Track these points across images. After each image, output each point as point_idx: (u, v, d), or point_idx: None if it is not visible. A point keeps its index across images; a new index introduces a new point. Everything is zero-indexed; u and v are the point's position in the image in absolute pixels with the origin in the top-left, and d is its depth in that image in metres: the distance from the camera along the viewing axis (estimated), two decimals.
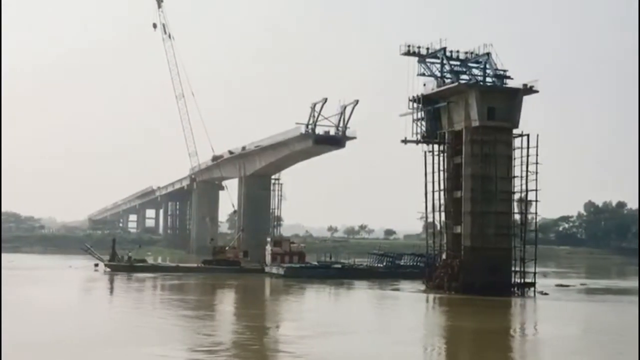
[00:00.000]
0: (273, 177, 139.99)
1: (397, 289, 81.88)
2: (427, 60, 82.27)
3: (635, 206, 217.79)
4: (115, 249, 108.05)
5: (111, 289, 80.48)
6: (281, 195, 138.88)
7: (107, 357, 36.31)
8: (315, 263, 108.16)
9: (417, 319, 60.35)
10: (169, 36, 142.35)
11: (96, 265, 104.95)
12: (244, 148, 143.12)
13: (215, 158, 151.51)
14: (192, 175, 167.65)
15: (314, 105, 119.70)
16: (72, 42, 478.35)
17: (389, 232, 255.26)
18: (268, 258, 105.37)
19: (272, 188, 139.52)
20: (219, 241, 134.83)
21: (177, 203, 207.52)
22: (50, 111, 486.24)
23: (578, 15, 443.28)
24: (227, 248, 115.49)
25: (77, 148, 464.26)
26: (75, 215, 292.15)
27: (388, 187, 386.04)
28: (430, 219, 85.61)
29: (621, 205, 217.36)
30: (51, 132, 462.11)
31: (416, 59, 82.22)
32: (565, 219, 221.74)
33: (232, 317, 58.85)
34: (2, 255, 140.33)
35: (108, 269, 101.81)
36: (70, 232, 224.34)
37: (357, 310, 66.18)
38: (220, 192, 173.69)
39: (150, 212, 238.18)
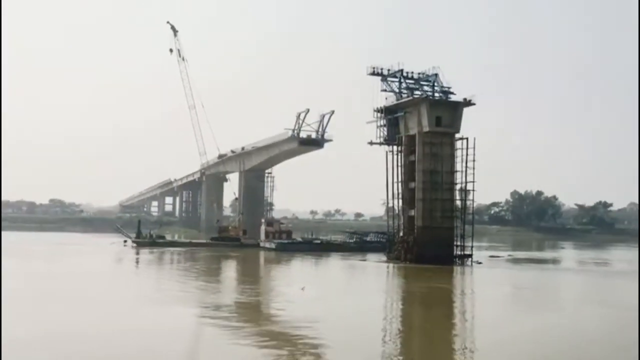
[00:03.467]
0: (267, 171, 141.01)
1: (365, 260, 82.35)
2: (388, 79, 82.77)
3: (549, 194, 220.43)
4: (140, 228, 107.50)
5: (137, 260, 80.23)
6: (273, 186, 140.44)
7: (140, 313, 36.39)
8: (300, 239, 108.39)
9: (381, 282, 60.88)
10: (183, 59, 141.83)
11: (125, 241, 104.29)
12: (243, 148, 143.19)
13: (220, 156, 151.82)
14: (202, 170, 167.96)
15: (299, 114, 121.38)
16: (110, 65, 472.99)
17: (359, 215, 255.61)
18: (262, 235, 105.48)
19: (265, 180, 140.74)
20: (223, 222, 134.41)
21: (190, 192, 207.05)
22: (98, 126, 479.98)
23: (520, 34, 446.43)
24: (230, 228, 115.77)
25: (112, 147, 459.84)
26: (109, 202, 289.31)
27: (358, 179, 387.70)
28: (390, 205, 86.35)
29: (540, 193, 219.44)
30: (97, 134, 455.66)
31: (379, 78, 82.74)
32: (496, 204, 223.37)
33: (235, 282, 59.04)
34: (53, 233, 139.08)
35: (134, 244, 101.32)
36: (104, 215, 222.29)
37: (334, 275, 66.59)
38: (225, 183, 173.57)
39: (168, 199, 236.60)
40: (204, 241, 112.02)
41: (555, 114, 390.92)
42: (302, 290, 47.25)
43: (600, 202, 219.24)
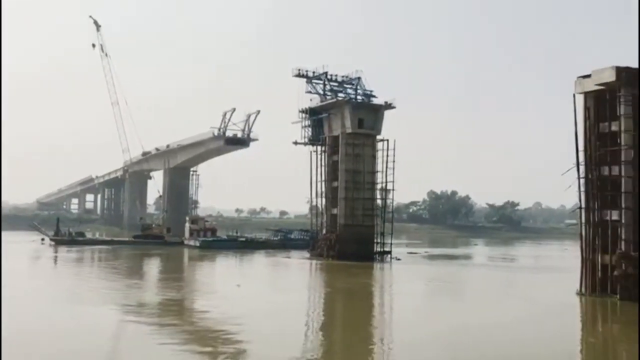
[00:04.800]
0: (192, 169, 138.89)
1: (289, 257, 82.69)
2: (313, 81, 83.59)
3: (463, 194, 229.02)
4: (58, 226, 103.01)
5: (56, 259, 76.89)
6: (198, 184, 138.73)
7: (59, 313, 35.00)
8: (225, 237, 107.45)
9: (304, 278, 61.41)
10: (106, 54, 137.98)
11: (42, 239, 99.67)
12: (168, 146, 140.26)
13: (144, 153, 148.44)
14: (125, 167, 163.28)
15: (225, 113, 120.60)
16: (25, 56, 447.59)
17: (283, 213, 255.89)
18: (187, 233, 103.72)
19: (191, 178, 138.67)
20: (146, 220, 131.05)
21: (113, 189, 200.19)
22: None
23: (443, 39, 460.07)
24: (153, 225, 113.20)
25: (29, 143, 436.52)
26: (25, 199, 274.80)
27: (283, 178, 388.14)
28: (314, 203, 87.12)
29: (454, 193, 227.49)
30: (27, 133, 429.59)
31: (305, 80, 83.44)
32: (414, 203, 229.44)
33: (158, 280, 57.80)
34: None
35: (52, 243, 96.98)
36: (20, 212, 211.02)
37: (259, 272, 66.48)
38: (149, 181, 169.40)
39: (89, 197, 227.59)
40: (126, 239, 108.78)
41: (468, 116, 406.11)
42: (238, 287, 47.07)
43: (508, 201, 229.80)
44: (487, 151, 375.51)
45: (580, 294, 46.24)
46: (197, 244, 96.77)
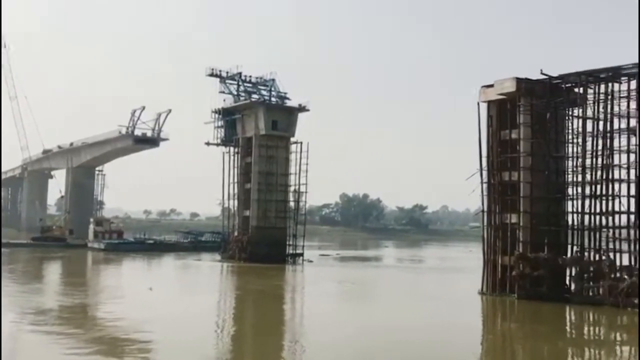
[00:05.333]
0: (97, 168, 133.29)
1: (199, 259, 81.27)
2: (227, 81, 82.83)
3: (374, 197, 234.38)
4: None
5: None
6: (104, 184, 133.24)
7: None
8: (132, 239, 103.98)
9: (215, 281, 60.58)
10: (4, 45, 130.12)
11: None
12: (71, 144, 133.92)
13: (45, 151, 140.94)
14: (23, 165, 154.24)
15: (134, 111, 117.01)
16: None
17: (194, 215, 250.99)
18: (91, 235, 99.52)
19: (96, 178, 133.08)
20: (47, 221, 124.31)
21: (10, 189, 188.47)
22: None
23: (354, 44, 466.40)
24: (54, 227, 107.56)
25: None
26: None
27: (194, 179, 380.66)
28: (226, 205, 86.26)
29: (366, 196, 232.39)
30: None
31: (218, 80, 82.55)
32: (326, 205, 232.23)
33: (58, 285, 55.00)
34: None
35: None
36: None
37: (167, 275, 64.83)
38: (50, 180, 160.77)
39: None
40: (24, 241, 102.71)
41: (382, 120, 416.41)
42: (150, 290, 45.67)
43: (417, 205, 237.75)
44: (398, 155, 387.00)
45: (482, 293, 48.65)
46: (102, 246, 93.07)
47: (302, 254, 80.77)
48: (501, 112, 49.79)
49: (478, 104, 50.63)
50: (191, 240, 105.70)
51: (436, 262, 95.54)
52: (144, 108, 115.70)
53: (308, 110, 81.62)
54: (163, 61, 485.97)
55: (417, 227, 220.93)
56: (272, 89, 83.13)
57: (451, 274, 69.94)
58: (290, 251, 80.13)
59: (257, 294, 50.14)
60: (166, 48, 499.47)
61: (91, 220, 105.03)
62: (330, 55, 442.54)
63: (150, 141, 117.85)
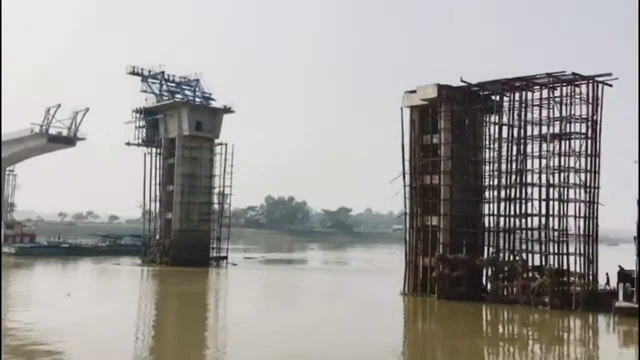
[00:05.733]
0: (8, 168, 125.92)
1: (118, 264, 78.56)
2: (149, 80, 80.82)
3: (300, 199, 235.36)
4: None
5: None
6: (15, 185, 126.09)
7: None
8: (45, 243, 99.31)
9: (135, 286, 58.73)
10: None
11: None
12: None
13: None
14: None
15: (49, 109, 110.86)
16: None
17: (113, 218, 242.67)
18: (1, 239, 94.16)
19: (6, 178, 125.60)
20: None
21: None
22: None
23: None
24: None
25: None
26: None
27: (114, 180, 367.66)
28: (147, 207, 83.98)
29: (291, 199, 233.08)
30: None
31: (140, 78, 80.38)
32: (252, 208, 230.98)
33: None
34: None
35: None
36: None
37: (83, 280, 62.25)
38: None
39: None
40: None
41: (309, 122, 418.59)
42: (68, 296, 43.64)
43: (342, 207, 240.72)
44: (324, 158, 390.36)
45: (403, 294, 49.88)
46: (13, 250, 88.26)
47: (226, 257, 79.90)
48: (423, 117, 51.32)
49: (401, 108, 51.96)
50: (110, 244, 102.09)
51: (360, 264, 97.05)
52: (59, 106, 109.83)
53: (233, 111, 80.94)
54: (83, 58, 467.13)
55: (342, 230, 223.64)
56: (197, 89, 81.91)
57: (374, 276, 71.24)
58: (214, 254, 79.10)
59: (178, 298, 49.07)
60: (86, 45, 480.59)
61: (1, 223, 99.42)
62: (259, 57, 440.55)
63: (66, 140, 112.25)
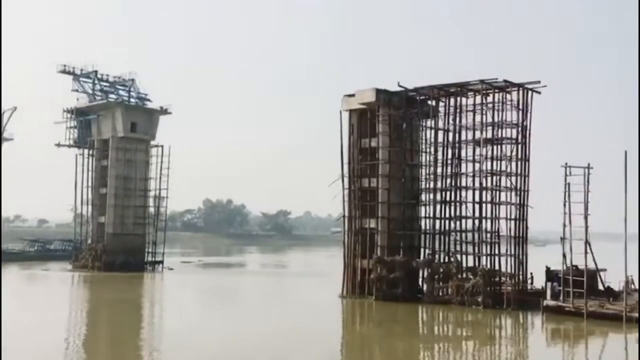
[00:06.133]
0: None
1: (47, 270, 75.53)
2: (81, 79, 78.17)
3: (238, 202, 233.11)
4: None
5: None
6: None
7: None
8: None
9: (65, 293, 56.57)
10: None
11: None
12: None
13: None
14: None
15: None
16: None
17: (42, 221, 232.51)
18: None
19: None
20: None
21: None
22: None
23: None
24: None
25: None
26: None
27: (43, 183, 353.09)
28: (79, 211, 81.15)
29: (230, 202, 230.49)
30: None
31: (72, 77, 77.66)
32: (189, 211, 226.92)
33: None
34: None
35: None
36: None
37: (9, 287, 59.37)
38: None
39: None
40: None
41: (247, 124, 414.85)
42: None
43: (281, 210, 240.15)
44: (263, 160, 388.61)
45: (342, 296, 50.28)
46: None
47: (162, 262, 78.25)
48: (362, 121, 51.97)
49: (340, 112, 52.44)
50: (38, 249, 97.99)
51: (299, 267, 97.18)
52: None
53: (170, 112, 79.34)
54: (10, 56, 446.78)
55: (281, 233, 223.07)
56: (132, 89, 79.81)
57: (313, 279, 71.48)
58: (150, 259, 77.32)
59: (111, 305, 47.62)
60: (13, 42, 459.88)
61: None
62: (197, 58, 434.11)
63: None
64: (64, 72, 76.78)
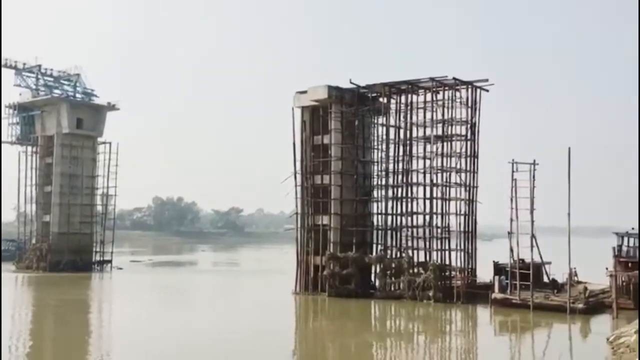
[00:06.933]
0: None
1: None
2: (24, 73, 75.40)
3: (189, 200, 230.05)
4: None
5: None
6: None
7: None
8: None
9: (7, 294, 54.52)
10: None
11: None
12: None
13: None
14: None
15: None
16: None
17: None
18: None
19: None
20: None
21: None
22: None
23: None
24: None
25: None
26: None
27: None
28: (22, 210, 78.50)
29: (180, 199, 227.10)
30: None
31: (13, 71, 74.89)
32: (138, 209, 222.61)
33: None
34: None
35: None
36: None
37: None
38: None
39: None
40: None
41: (198, 121, 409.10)
42: None
43: (233, 207, 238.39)
44: (214, 157, 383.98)
45: (295, 293, 50.38)
46: None
47: (110, 261, 76.49)
48: (314, 118, 52.11)
49: (292, 109, 52.43)
50: None
51: (252, 264, 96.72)
52: None
53: (118, 108, 77.53)
54: None
55: (234, 230, 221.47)
56: (77, 84, 77.54)
57: (266, 276, 71.30)
58: (98, 258, 75.50)
59: (57, 307, 46.22)
60: None
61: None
62: (149, 55, 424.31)
63: None
64: (5, 66, 73.92)
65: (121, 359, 27.77)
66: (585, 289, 41.53)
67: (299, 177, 51.72)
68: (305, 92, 51.75)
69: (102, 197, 78.30)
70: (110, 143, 76.46)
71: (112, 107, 77.08)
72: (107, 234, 76.89)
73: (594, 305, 40.70)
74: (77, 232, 73.25)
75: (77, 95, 77.03)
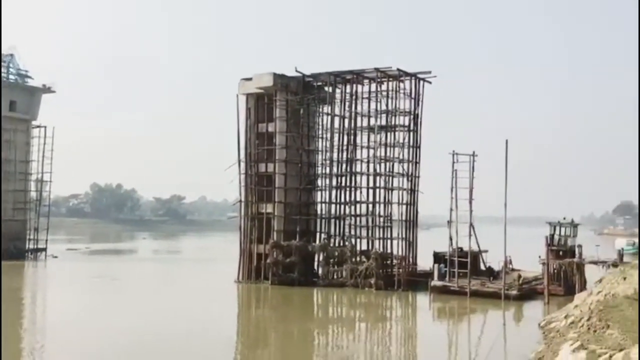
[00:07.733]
0: None
1: None
2: None
3: (129, 187, 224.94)
4: None
5: None
6: None
7: None
8: None
9: None
10: None
11: None
12: None
13: None
14: None
15: None
16: None
17: None
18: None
19: None
20: None
21: None
22: None
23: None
24: None
25: None
26: None
27: None
28: None
29: (119, 186, 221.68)
30: None
31: None
32: (75, 196, 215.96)
33: None
34: None
35: None
36: None
37: None
38: None
39: None
40: None
41: (137, 106, 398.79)
42: None
43: (175, 195, 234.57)
44: (155, 144, 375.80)
45: (238, 281, 50.25)
46: None
47: (45, 249, 74.08)
48: (259, 105, 51.85)
49: (237, 96, 51.97)
50: None
51: (194, 252, 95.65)
52: None
53: (54, 91, 74.89)
54: None
55: (175, 218, 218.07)
56: (11, 65, 74.26)
57: (208, 264, 70.71)
58: (32, 246, 72.97)
59: None
60: None
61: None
62: (92, 40, 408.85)
63: None
64: None
65: (55, 350, 27.05)
66: (519, 276, 43.24)
67: (243, 164, 51.44)
68: (250, 79, 51.38)
69: (36, 182, 75.63)
70: (45, 127, 73.94)
71: (47, 89, 74.43)
72: (42, 221, 74.43)
73: (527, 292, 42.47)
74: (10, 218, 70.54)
75: (10, 76, 73.86)
